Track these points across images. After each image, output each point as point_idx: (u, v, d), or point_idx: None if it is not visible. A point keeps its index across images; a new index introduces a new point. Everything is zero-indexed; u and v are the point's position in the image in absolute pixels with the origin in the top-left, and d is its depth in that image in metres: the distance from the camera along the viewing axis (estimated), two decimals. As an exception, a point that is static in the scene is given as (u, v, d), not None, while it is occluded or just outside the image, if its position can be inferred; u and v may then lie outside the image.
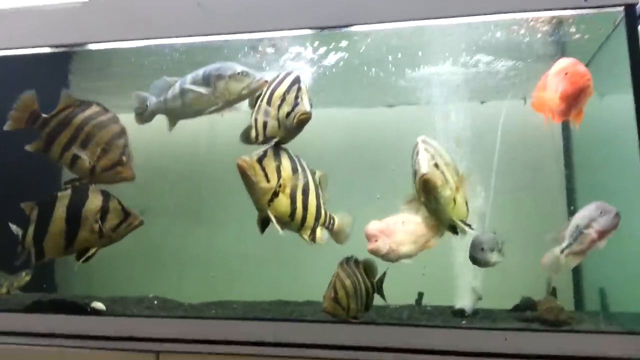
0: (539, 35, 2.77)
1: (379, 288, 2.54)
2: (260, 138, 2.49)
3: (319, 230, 2.54)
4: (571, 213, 2.89)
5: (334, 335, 2.24)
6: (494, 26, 2.69)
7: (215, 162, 3.53)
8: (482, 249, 2.55)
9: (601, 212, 2.29)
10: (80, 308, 2.61)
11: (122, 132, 2.65)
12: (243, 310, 2.91)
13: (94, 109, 2.65)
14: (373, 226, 2.59)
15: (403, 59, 3.03)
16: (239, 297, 3.18)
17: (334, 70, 3.15)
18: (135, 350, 2.33)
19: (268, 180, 2.34)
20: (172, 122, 2.99)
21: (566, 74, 2.27)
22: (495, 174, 2.91)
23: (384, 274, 2.53)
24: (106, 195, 2.62)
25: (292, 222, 2.43)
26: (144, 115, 3.02)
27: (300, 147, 2.55)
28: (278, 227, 2.35)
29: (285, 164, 2.43)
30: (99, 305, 2.65)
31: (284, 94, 2.44)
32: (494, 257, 2.58)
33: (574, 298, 3.13)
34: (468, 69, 3.02)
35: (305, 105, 2.40)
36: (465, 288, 2.81)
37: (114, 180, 2.63)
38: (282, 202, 2.37)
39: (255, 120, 2.51)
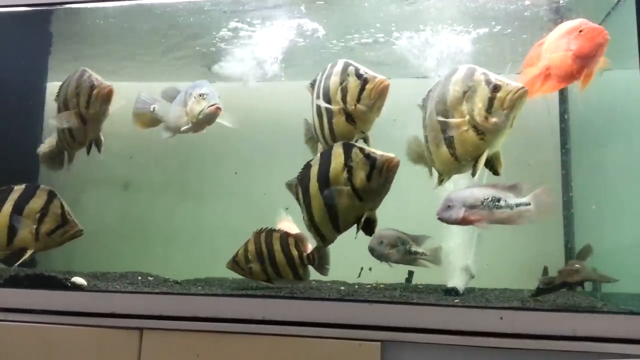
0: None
1: (310, 261, 2.58)
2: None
3: None
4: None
5: (323, 313, 2.18)
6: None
7: (202, 135, 3.43)
8: (381, 242, 2.59)
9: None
10: (59, 283, 2.51)
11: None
12: (231, 287, 2.85)
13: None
14: None
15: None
16: (226, 274, 3.11)
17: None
18: (118, 327, 2.25)
19: None
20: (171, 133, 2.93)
21: (581, 31, 2.17)
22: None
23: (320, 248, 2.52)
24: (50, 197, 2.55)
25: None
26: (145, 118, 2.95)
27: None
28: None
29: None
30: (79, 280, 2.55)
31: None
32: (393, 254, 2.63)
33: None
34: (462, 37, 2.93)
35: None
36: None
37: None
38: None
39: None
